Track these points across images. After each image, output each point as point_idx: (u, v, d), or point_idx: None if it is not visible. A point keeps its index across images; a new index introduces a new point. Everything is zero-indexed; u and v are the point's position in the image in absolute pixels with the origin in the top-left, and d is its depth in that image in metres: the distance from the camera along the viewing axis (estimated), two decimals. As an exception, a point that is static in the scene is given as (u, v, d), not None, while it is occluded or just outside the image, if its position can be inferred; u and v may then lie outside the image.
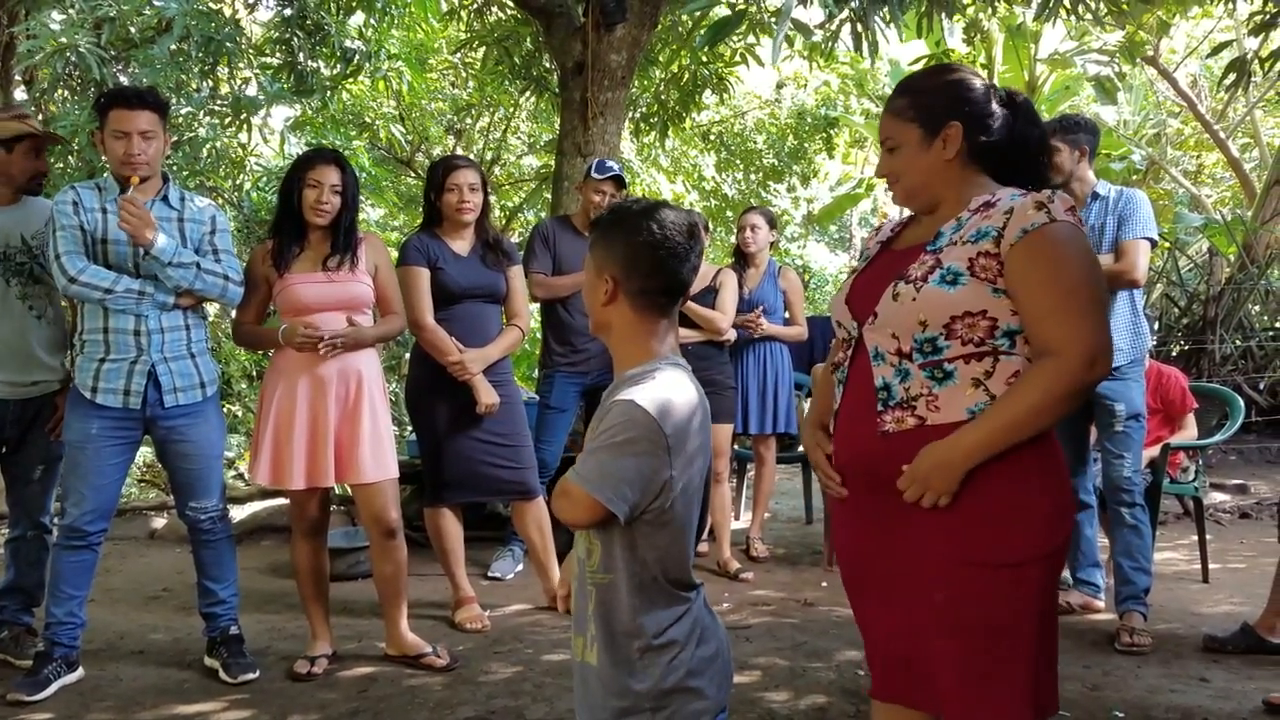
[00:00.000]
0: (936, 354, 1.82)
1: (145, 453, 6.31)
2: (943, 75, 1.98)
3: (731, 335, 5.00)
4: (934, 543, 1.80)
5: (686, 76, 8.28)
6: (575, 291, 4.59)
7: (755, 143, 12.65)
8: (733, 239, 6.02)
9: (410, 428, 4.60)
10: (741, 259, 5.36)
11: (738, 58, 8.03)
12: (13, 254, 3.60)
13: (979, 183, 1.94)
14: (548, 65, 7.71)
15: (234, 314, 3.81)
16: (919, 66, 8.14)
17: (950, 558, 1.79)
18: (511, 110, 11.51)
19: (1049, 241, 1.78)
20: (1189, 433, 4.92)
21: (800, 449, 6.18)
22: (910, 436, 1.82)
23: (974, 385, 1.80)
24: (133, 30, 5.89)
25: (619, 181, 4.76)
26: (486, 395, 4.03)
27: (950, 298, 1.80)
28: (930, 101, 1.92)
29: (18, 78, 7.12)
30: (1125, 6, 6.31)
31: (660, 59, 8.27)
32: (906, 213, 2.07)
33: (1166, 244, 9.00)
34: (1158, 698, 3.29)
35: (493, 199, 4.39)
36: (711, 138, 12.45)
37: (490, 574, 4.88)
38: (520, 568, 4.96)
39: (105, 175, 3.55)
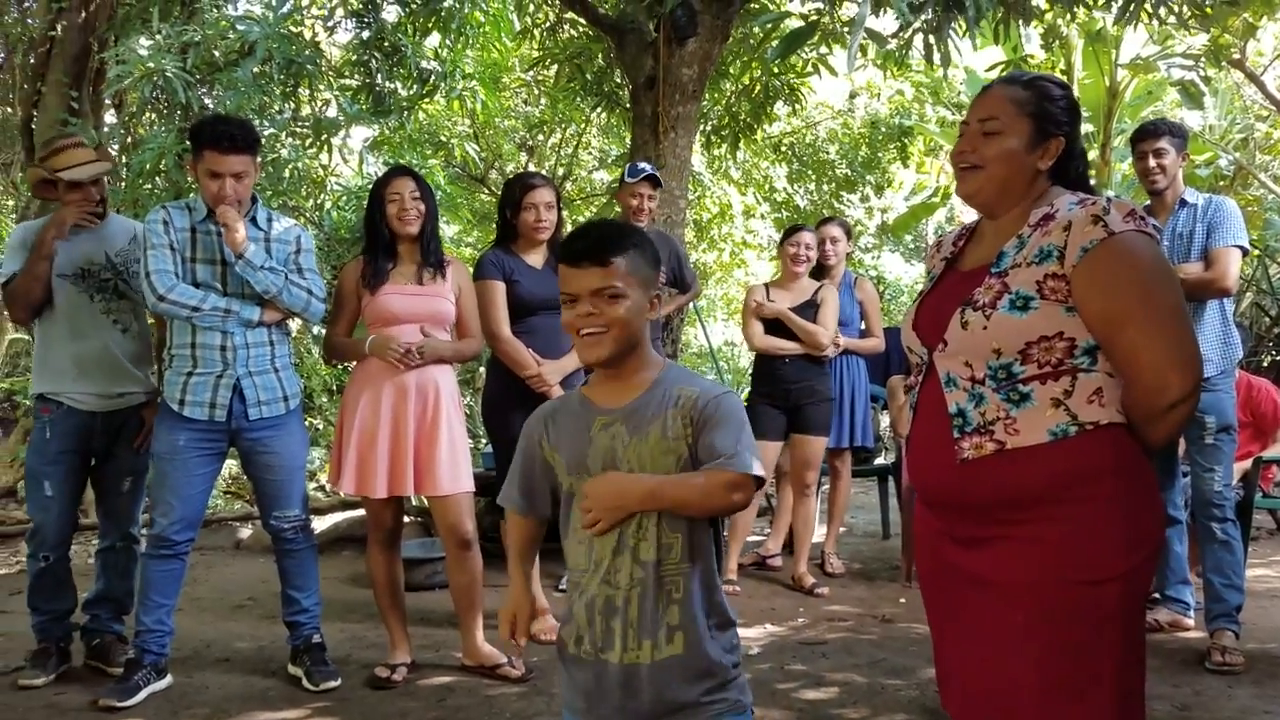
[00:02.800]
0: (1011, 378, 1.78)
1: (231, 465, 6.46)
2: (1067, 91, 1.96)
3: (831, 352, 4.91)
4: (1015, 565, 1.78)
5: (758, 88, 8.26)
6: None
7: (828, 153, 12.54)
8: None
9: (485, 440, 4.64)
10: (818, 270, 5.31)
11: (810, 68, 7.98)
12: (97, 271, 3.73)
13: (1046, 195, 1.90)
14: (619, 81, 7.76)
15: (325, 328, 3.90)
16: (995, 74, 8.04)
17: (1030, 578, 1.76)
18: (583, 126, 11.61)
19: (1110, 258, 1.74)
20: (1283, 446, 4.77)
21: (877, 462, 6.11)
22: (989, 462, 1.79)
23: (1054, 405, 1.76)
24: (217, 54, 6.08)
25: (654, 181, 4.77)
26: (563, 407, 4.05)
27: (1023, 323, 1.77)
28: (1053, 108, 1.89)
29: (107, 102, 7.37)
30: (1209, 9, 6.16)
31: (731, 71, 8.26)
32: (971, 214, 2.04)
33: (1257, 251, 8.75)
34: (1250, 719, 3.19)
35: (565, 214, 4.43)
36: (783, 149, 12.38)
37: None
38: (594, 580, 4.95)
39: (194, 196, 3.65)
